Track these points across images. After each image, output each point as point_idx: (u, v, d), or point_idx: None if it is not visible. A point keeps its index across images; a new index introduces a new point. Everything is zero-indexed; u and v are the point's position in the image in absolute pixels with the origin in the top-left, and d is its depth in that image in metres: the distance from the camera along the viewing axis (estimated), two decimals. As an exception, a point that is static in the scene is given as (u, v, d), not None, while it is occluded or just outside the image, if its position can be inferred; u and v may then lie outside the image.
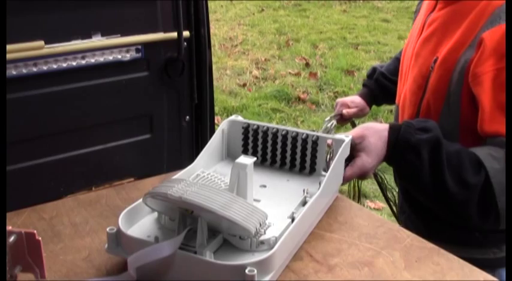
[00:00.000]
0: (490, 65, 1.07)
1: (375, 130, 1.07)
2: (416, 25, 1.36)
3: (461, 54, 1.14)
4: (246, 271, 0.73)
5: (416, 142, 1.03)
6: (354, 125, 1.69)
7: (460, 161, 1.03)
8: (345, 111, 1.55)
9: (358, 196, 1.43)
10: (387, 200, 1.53)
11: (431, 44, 1.23)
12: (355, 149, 1.06)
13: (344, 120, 1.57)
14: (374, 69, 1.68)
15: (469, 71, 1.11)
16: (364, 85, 1.68)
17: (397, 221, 1.44)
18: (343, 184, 1.08)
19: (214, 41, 5.89)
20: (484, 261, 1.27)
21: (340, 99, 1.62)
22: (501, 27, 1.08)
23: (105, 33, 1.64)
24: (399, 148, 1.05)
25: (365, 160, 1.06)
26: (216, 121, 2.12)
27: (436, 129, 1.05)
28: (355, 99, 1.61)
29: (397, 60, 1.56)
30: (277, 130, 1.06)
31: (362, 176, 1.09)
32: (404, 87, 1.33)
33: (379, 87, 1.62)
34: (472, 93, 1.11)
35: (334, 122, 1.47)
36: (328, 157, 1.07)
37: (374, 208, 2.77)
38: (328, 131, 1.42)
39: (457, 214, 1.09)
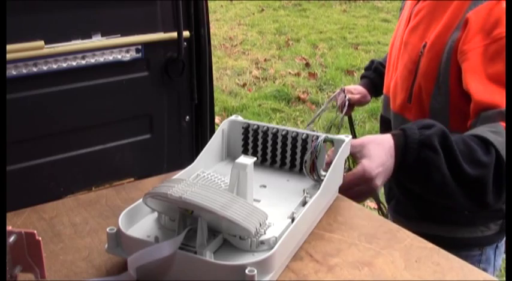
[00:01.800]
0: (478, 41, 1.12)
1: (374, 138, 1.06)
2: (402, 18, 1.41)
3: (449, 36, 1.19)
4: (246, 271, 0.73)
5: (427, 137, 1.01)
6: (351, 123, 1.72)
7: (467, 145, 1.03)
8: (349, 96, 1.61)
9: None
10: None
11: (419, 31, 1.28)
12: (356, 159, 1.04)
13: (348, 107, 1.62)
14: (372, 62, 1.76)
15: (456, 50, 1.16)
16: (363, 77, 1.75)
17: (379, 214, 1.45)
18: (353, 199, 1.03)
19: (214, 41, 5.89)
20: (473, 240, 1.31)
21: (342, 87, 1.69)
22: (485, 6, 1.13)
23: (105, 33, 1.64)
24: (412, 150, 1.02)
25: (366, 165, 1.02)
26: (216, 121, 2.12)
27: (436, 123, 1.05)
28: (357, 87, 1.69)
29: None
30: (277, 130, 1.06)
31: (366, 184, 1.03)
32: (394, 76, 1.37)
33: (379, 76, 1.66)
34: (459, 71, 1.16)
35: (346, 100, 1.53)
36: (311, 157, 1.02)
37: (374, 208, 2.77)
38: (342, 105, 1.49)
39: (475, 198, 1.06)
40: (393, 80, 1.38)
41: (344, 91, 1.64)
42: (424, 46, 1.24)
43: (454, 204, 1.12)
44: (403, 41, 1.34)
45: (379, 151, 1.03)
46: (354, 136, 1.76)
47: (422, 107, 1.28)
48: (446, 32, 1.20)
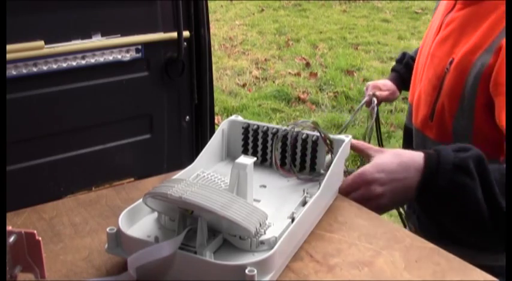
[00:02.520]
0: None
1: (399, 151, 0.99)
2: (433, 25, 1.33)
3: (477, 57, 1.11)
4: (246, 271, 0.73)
5: (462, 160, 0.92)
6: (378, 122, 1.70)
7: (503, 175, 0.94)
8: (378, 93, 1.57)
9: None
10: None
11: (447, 45, 1.21)
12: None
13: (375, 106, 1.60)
14: (404, 54, 1.71)
15: (485, 76, 1.08)
16: (393, 70, 1.71)
17: (403, 226, 1.39)
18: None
19: (214, 41, 5.89)
20: (496, 268, 1.13)
21: (371, 82, 1.65)
22: None
23: (105, 33, 1.64)
24: (445, 171, 0.92)
25: (366, 168, 0.98)
26: (216, 121, 2.12)
27: (473, 147, 0.97)
28: (386, 83, 1.64)
29: None
30: (277, 130, 1.06)
31: (364, 188, 0.99)
32: (419, 87, 1.31)
33: (409, 71, 1.57)
34: (487, 98, 1.08)
35: (375, 100, 1.52)
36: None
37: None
38: (372, 109, 1.47)
39: (504, 236, 0.92)
40: (417, 91, 1.32)
41: (374, 95, 1.60)
42: (451, 62, 1.16)
43: (478, 240, 1.02)
44: (430, 53, 1.27)
45: (390, 160, 0.98)
46: (380, 143, 1.72)
47: (445, 127, 1.21)
48: (475, 52, 1.12)
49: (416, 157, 0.97)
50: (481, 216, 0.92)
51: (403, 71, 1.65)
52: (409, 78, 1.53)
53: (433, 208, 0.99)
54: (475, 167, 0.93)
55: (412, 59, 1.62)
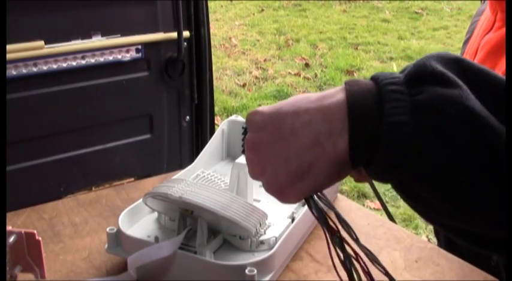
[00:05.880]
0: None
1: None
2: (472, 42, 1.15)
3: None
4: (246, 271, 0.73)
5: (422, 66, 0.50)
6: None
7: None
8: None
9: None
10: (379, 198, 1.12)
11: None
12: None
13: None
14: None
15: None
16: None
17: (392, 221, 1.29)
18: None
19: (214, 41, 5.89)
20: None
21: None
22: None
23: (105, 33, 1.64)
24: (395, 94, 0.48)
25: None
26: (216, 121, 2.12)
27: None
28: None
29: None
30: (277, 130, 1.06)
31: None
32: None
33: None
34: None
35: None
36: None
37: (374, 208, 2.77)
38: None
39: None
40: None
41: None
42: None
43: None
44: None
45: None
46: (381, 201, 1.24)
47: None
48: None
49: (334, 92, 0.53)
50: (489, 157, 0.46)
51: None
52: None
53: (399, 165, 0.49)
54: (454, 72, 0.49)
55: None
